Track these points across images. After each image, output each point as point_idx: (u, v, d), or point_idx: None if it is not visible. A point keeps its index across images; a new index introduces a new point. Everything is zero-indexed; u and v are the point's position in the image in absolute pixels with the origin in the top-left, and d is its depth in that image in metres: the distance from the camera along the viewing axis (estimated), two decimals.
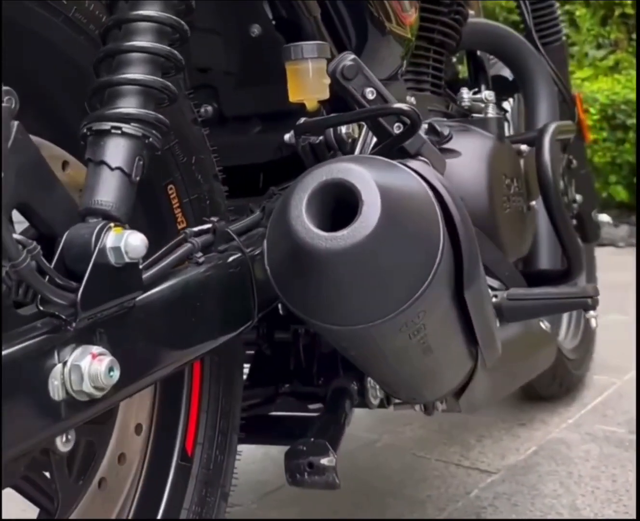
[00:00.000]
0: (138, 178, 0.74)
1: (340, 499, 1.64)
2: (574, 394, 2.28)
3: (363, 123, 0.99)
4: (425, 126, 1.20)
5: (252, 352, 1.20)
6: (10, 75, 0.71)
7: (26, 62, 0.81)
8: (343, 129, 0.95)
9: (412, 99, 1.25)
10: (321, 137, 0.94)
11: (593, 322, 1.23)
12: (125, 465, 0.87)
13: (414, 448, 1.95)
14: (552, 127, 1.51)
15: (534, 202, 1.52)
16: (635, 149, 2.37)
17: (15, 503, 0.90)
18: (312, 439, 1.02)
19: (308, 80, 0.92)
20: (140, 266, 0.74)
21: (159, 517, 0.91)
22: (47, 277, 0.67)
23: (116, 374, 0.69)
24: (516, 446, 1.97)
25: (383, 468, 1.85)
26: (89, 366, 0.68)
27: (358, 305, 0.80)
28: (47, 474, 0.80)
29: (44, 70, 0.83)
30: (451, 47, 1.49)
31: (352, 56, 0.89)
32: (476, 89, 1.60)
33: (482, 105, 1.43)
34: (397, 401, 1.16)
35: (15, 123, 0.68)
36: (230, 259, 0.85)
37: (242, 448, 1.13)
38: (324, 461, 1.00)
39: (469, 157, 1.33)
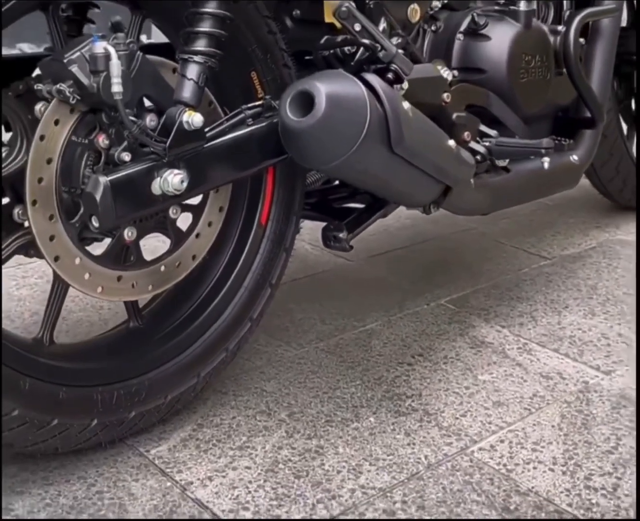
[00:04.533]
0: (203, 84, 1.32)
1: (418, 263, 2.21)
2: None
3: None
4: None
5: None
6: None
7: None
8: (346, 48, 1.46)
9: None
10: (331, 51, 1.46)
11: (546, 165, 1.69)
12: (212, 227, 1.50)
13: (499, 236, 2.45)
14: (581, 14, 1.88)
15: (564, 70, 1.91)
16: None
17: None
18: (337, 222, 1.59)
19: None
20: (206, 128, 1.33)
21: (239, 264, 1.54)
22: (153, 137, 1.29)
23: (185, 184, 1.30)
24: (579, 241, 2.41)
25: (466, 247, 2.38)
26: (171, 178, 1.29)
27: (328, 152, 1.34)
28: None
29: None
30: None
31: (347, 4, 1.40)
32: None
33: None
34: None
35: (139, 54, 1.28)
36: (269, 122, 1.42)
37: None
38: (341, 235, 1.57)
39: (496, 40, 1.77)
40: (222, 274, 1.54)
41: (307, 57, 1.75)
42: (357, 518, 1.24)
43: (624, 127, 2.52)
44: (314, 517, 1.24)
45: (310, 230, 2.17)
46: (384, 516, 1.26)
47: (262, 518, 1.21)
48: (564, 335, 1.85)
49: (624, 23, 2.36)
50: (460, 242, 2.41)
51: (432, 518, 1.17)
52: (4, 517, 1.20)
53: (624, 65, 2.45)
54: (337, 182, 1.78)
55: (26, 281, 2.08)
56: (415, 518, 1.15)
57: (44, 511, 1.26)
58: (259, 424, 1.50)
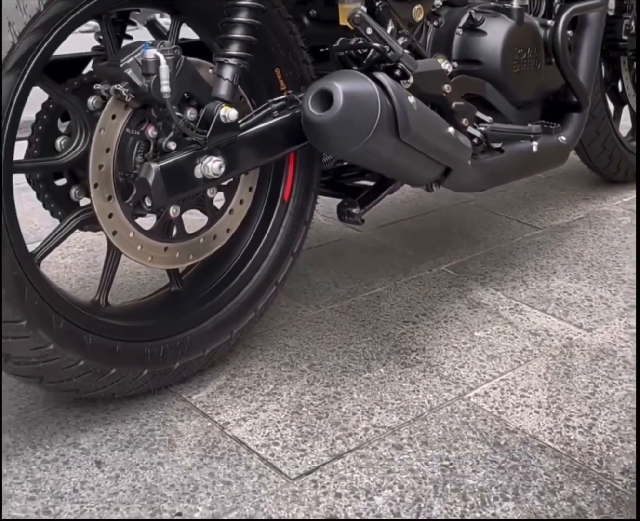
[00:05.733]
0: (237, 83, 1.51)
1: (421, 233, 2.41)
2: None
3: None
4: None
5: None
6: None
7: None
8: (359, 50, 1.64)
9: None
10: (345, 52, 1.64)
11: (534, 148, 1.88)
12: (243, 205, 1.70)
13: (495, 207, 2.64)
14: (569, 9, 2.06)
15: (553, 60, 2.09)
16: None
17: None
18: (351, 199, 1.78)
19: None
20: (239, 120, 1.53)
21: (265, 236, 1.74)
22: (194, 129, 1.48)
23: (222, 169, 1.50)
24: (568, 212, 2.61)
25: (465, 219, 2.57)
26: (211, 164, 1.49)
27: (345, 142, 1.53)
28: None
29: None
30: None
31: (359, 11, 1.59)
32: None
33: None
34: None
35: (182, 57, 1.47)
36: (292, 113, 1.61)
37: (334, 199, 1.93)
38: (354, 210, 1.77)
39: (491, 35, 1.95)
40: (250, 245, 1.75)
41: (321, 50, 1.95)
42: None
43: (611, 108, 2.70)
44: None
45: (324, 203, 2.37)
46: (393, 452, 1.46)
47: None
48: (551, 297, 2.05)
49: (611, 13, 2.55)
50: (459, 214, 2.61)
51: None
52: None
53: (611, 51, 2.63)
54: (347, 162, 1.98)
55: (70, 250, 2.28)
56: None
57: (106, 445, 1.47)
58: (284, 374, 1.71)
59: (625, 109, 2.77)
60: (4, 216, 1.33)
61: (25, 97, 1.36)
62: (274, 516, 1.30)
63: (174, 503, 1.33)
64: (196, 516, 1.30)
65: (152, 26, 1.86)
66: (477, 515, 1.32)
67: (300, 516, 1.31)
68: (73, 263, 2.21)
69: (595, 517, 1.32)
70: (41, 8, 1.33)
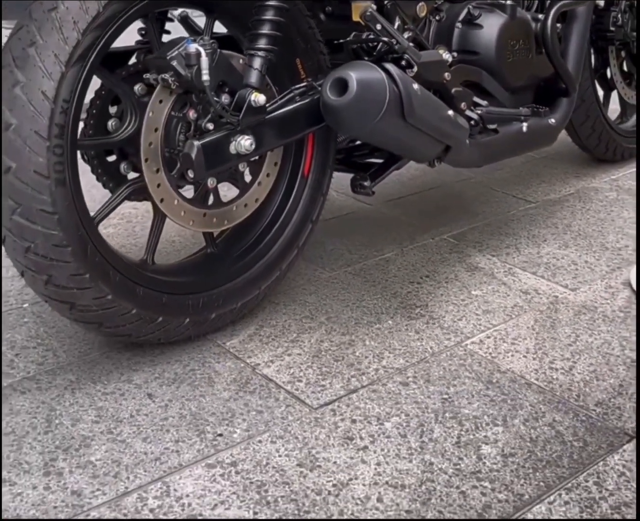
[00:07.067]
0: (265, 72, 1.73)
1: (426, 206, 2.63)
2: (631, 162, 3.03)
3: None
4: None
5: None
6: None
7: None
8: (370, 43, 1.86)
9: None
10: (358, 45, 1.86)
11: (524, 128, 2.10)
12: (269, 178, 1.92)
13: (493, 184, 2.86)
14: (558, 4, 2.28)
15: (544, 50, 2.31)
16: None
17: None
18: (362, 173, 2.01)
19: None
20: (267, 105, 1.75)
21: (288, 205, 1.97)
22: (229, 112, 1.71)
23: (253, 146, 1.73)
24: (560, 188, 2.82)
25: (465, 193, 2.79)
26: (243, 142, 1.72)
27: (358, 123, 1.76)
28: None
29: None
30: None
31: (370, 9, 1.81)
32: None
33: None
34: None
35: (218, 51, 1.69)
36: (311, 98, 1.83)
37: (345, 176, 2.15)
38: (365, 183, 1.99)
39: (487, 29, 2.17)
40: (275, 213, 1.98)
41: (334, 42, 2.17)
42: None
43: (601, 93, 2.91)
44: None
45: (336, 179, 2.58)
46: (400, 388, 1.69)
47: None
48: (541, 262, 2.27)
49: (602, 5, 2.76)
50: (459, 190, 2.83)
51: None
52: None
53: (600, 41, 2.84)
54: (358, 142, 2.20)
55: (109, 222, 2.51)
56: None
57: (155, 382, 1.70)
58: (305, 325, 1.94)
59: (614, 94, 2.98)
60: (71, 185, 1.56)
61: (87, 85, 1.59)
62: (299, 437, 1.54)
63: (215, 426, 1.57)
64: (234, 436, 1.54)
65: (185, 22, 2.08)
66: (471, 437, 1.54)
67: (322, 437, 1.54)
68: (114, 233, 2.44)
69: (571, 439, 1.55)
70: (100, 9, 1.56)
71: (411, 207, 2.67)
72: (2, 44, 1.57)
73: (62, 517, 1.34)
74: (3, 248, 1.59)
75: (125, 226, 2.47)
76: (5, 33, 1.64)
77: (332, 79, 1.72)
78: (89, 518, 1.34)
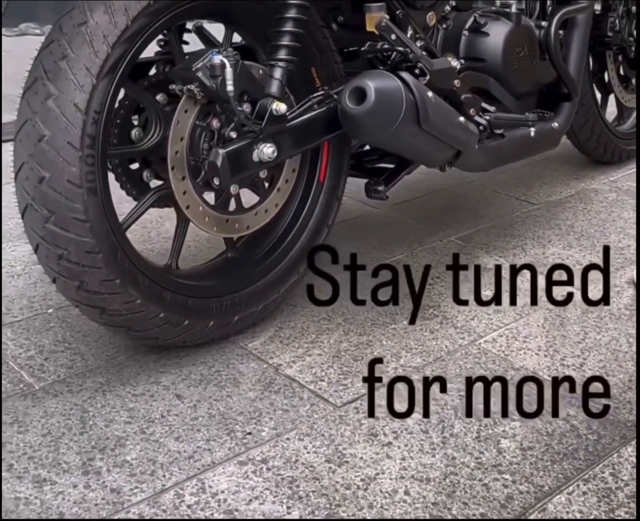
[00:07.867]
0: (285, 82, 1.78)
1: (432, 209, 2.69)
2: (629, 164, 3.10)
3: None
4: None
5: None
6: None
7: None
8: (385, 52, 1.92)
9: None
10: (372, 54, 1.92)
11: (532, 133, 2.16)
12: (288, 184, 1.97)
13: (496, 186, 2.92)
14: (560, 12, 2.34)
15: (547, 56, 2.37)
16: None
17: None
18: (376, 178, 2.06)
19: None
20: (287, 113, 1.80)
21: (305, 210, 2.02)
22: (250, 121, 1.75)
23: (275, 154, 1.78)
24: (561, 190, 2.88)
25: (470, 196, 2.85)
26: (265, 150, 1.76)
27: (375, 130, 1.81)
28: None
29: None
30: None
31: (385, 21, 1.86)
32: None
33: (510, 3, 2.28)
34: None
35: (241, 62, 1.74)
36: (328, 107, 1.88)
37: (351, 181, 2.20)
38: (380, 188, 2.05)
39: (493, 36, 2.23)
40: (293, 218, 2.02)
41: (344, 51, 2.22)
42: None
43: (598, 97, 2.98)
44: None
45: None
46: (418, 385, 1.74)
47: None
48: (547, 262, 2.32)
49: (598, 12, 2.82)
50: (464, 193, 2.88)
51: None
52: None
53: (598, 46, 2.91)
54: (367, 147, 2.25)
55: None
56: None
57: (182, 383, 1.75)
58: (323, 326, 1.99)
59: (611, 97, 3.05)
60: (102, 193, 1.60)
61: (116, 96, 1.64)
62: (325, 434, 1.58)
63: (244, 425, 1.61)
64: (263, 434, 1.58)
65: (200, 32, 2.13)
66: (490, 432, 1.59)
67: (348, 434, 1.59)
68: (131, 238, 2.47)
69: (585, 432, 1.60)
70: (129, 23, 1.60)
71: (417, 210, 2.72)
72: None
73: (104, 515, 1.38)
74: (9, 250, 1.62)
75: (141, 232, 2.52)
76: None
77: (351, 87, 1.77)
78: (129, 515, 1.38)
